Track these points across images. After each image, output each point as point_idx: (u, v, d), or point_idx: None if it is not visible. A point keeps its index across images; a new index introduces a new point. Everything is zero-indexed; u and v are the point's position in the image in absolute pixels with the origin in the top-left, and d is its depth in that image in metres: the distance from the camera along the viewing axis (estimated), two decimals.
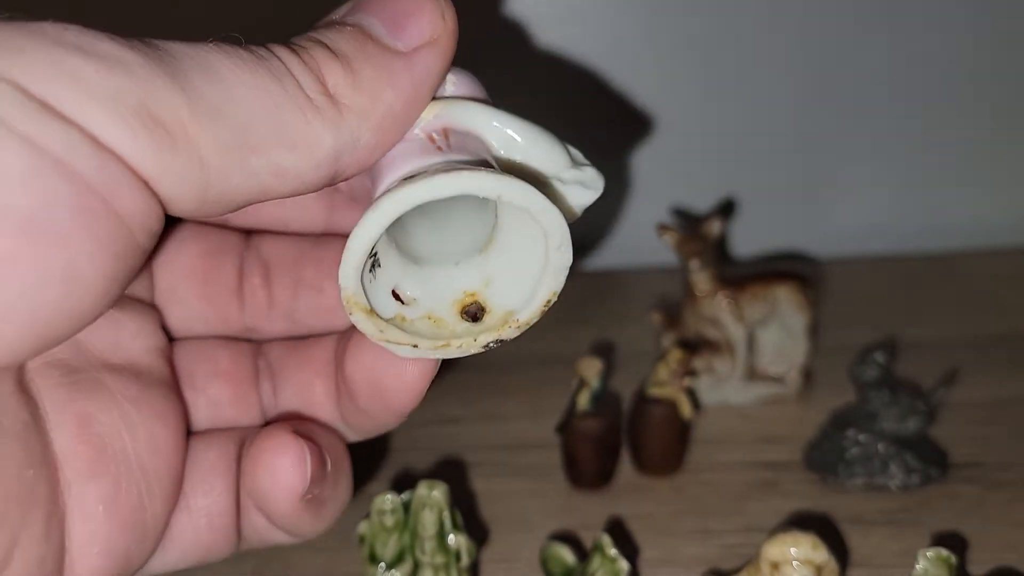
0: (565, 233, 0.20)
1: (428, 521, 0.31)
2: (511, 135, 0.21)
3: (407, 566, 0.32)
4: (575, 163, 0.22)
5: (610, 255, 0.59)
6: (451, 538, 0.31)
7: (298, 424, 0.25)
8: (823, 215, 0.59)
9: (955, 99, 0.56)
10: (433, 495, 0.31)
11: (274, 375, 0.27)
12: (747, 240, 0.59)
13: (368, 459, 0.32)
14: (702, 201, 0.57)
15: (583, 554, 0.32)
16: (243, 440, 0.25)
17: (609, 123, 0.57)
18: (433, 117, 0.21)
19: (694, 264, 0.42)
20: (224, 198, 0.18)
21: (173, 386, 0.25)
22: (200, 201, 0.18)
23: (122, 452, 0.22)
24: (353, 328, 0.23)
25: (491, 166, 0.21)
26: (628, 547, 0.35)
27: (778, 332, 0.44)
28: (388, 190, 0.20)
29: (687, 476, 0.39)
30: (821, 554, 0.28)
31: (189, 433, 0.25)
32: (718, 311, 0.43)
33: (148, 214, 0.18)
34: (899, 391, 0.38)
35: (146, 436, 0.23)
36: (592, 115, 0.56)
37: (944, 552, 0.29)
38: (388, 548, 0.31)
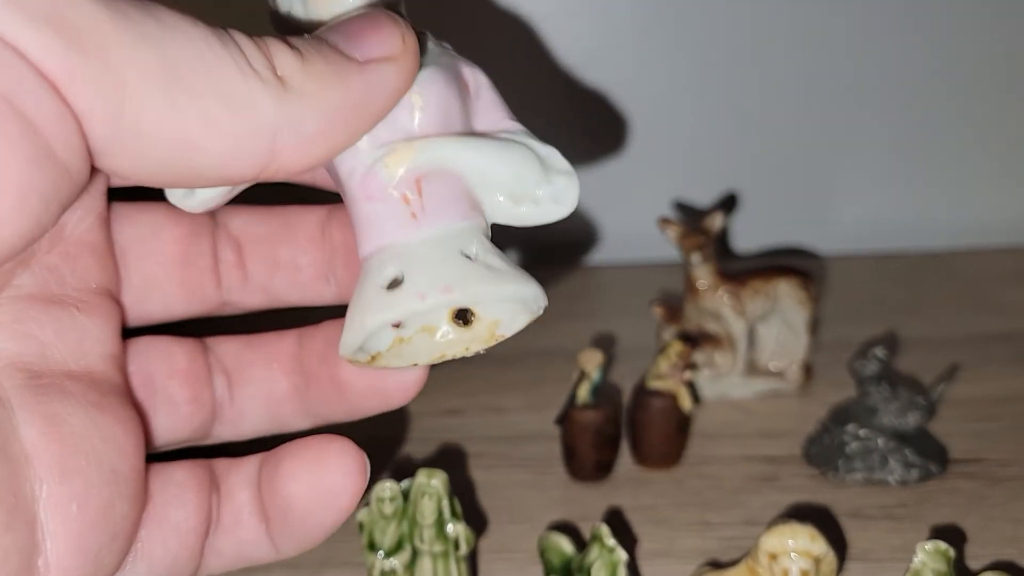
0: (538, 306, 0.22)
1: (427, 509, 0.31)
2: (481, 169, 0.22)
3: (406, 554, 0.32)
4: (550, 173, 0.23)
5: (612, 249, 0.59)
6: (450, 527, 0.31)
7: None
8: (825, 211, 0.59)
9: (957, 98, 0.56)
10: (432, 483, 0.31)
11: (230, 372, 0.27)
12: (749, 235, 0.59)
13: (368, 448, 0.32)
14: (704, 195, 0.57)
15: (582, 545, 0.32)
16: (210, 468, 0.26)
17: (611, 117, 0.57)
18: (404, 172, 0.22)
19: (695, 258, 0.42)
20: (143, 132, 0.17)
21: (127, 394, 0.25)
22: (114, 125, 0.17)
23: (93, 452, 0.22)
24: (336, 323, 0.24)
25: (466, 256, 0.22)
26: (627, 538, 0.35)
27: (779, 327, 0.44)
28: (371, 298, 0.21)
29: (686, 469, 0.39)
30: (819, 546, 0.28)
31: (155, 455, 0.26)
32: (719, 305, 0.43)
33: (62, 122, 0.16)
34: (899, 387, 0.39)
35: (112, 438, 0.23)
36: (594, 109, 0.56)
37: (942, 545, 0.29)
38: (387, 536, 0.32)
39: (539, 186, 0.23)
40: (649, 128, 0.57)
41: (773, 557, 0.28)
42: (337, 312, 0.28)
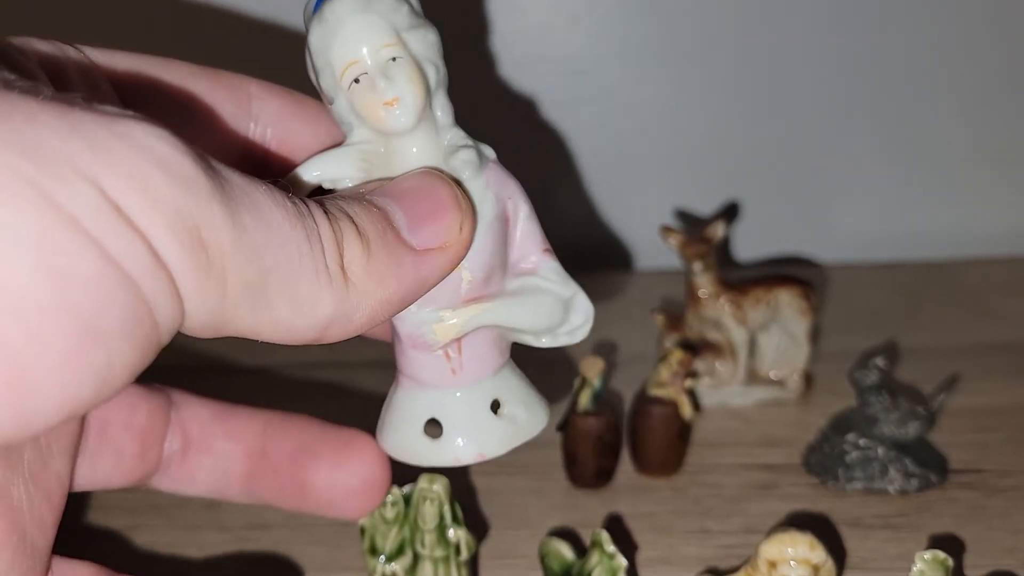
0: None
1: (428, 514, 0.31)
2: (515, 326, 0.26)
3: (407, 559, 0.32)
4: (569, 312, 0.27)
5: (614, 256, 0.59)
6: (451, 532, 0.32)
7: None
8: (826, 221, 0.59)
9: (958, 108, 0.57)
10: (434, 488, 0.31)
11: (191, 438, 0.30)
12: (750, 244, 0.59)
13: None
14: (706, 204, 0.57)
15: (582, 551, 0.32)
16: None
17: (613, 125, 0.57)
18: (449, 340, 0.25)
19: (697, 266, 0.43)
20: (221, 327, 0.19)
21: (72, 455, 0.26)
22: (203, 324, 0.19)
23: (22, 527, 0.23)
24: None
25: (493, 410, 0.27)
26: (627, 545, 0.35)
27: (779, 336, 0.44)
28: (413, 439, 0.26)
29: (686, 477, 0.39)
30: (818, 554, 0.28)
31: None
32: (720, 314, 0.43)
33: (175, 323, 0.18)
34: (899, 396, 0.39)
35: (38, 514, 0.24)
36: (596, 117, 0.57)
37: (941, 555, 0.29)
38: (388, 540, 0.32)
39: (559, 326, 0.27)
40: (651, 137, 0.57)
41: (772, 565, 0.28)
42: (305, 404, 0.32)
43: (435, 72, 0.24)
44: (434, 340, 0.25)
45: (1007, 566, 0.33)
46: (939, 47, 0.55)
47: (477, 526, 0.36)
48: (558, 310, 0.26)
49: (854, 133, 0.57)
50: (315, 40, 0.24)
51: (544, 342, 0.27)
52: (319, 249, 0.20)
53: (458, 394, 0.26)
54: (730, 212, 0.58)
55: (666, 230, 0.44)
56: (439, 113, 0.25)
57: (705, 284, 0.43)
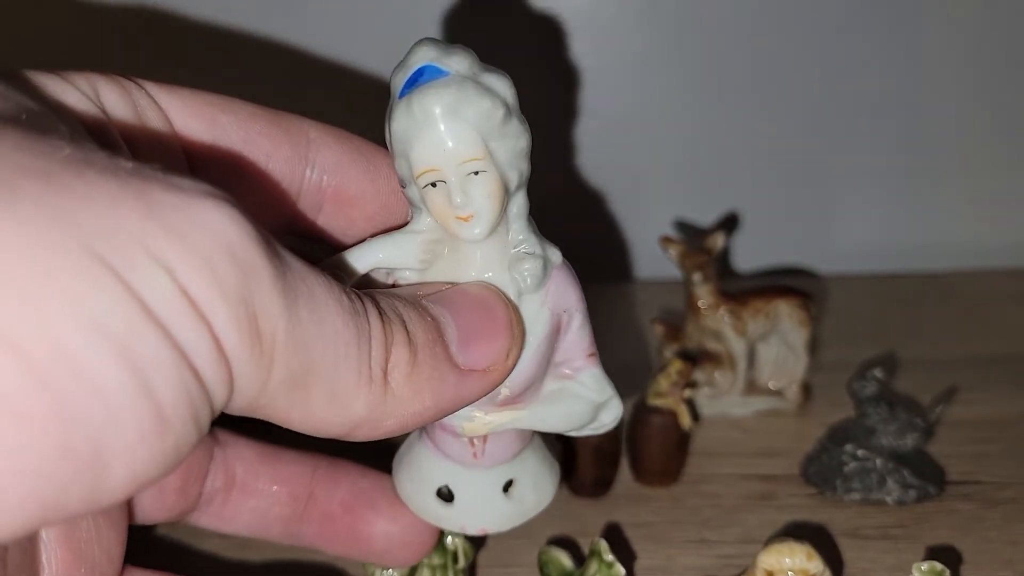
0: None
1: None
2: (543, 428, 0.26)
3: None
4: (599, 412, 0.26)
5: (613, 266, 0.59)
6: (449, 540, 0.32)
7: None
8: (825, 232, 0.59)
9: (956, 120, 0.57)
10: None
11: (236, 477, 0.30)
12: (749, 255, 0.59)
13: (369, 460, 0.32)
14: (705, 215, 0.58)
15: (581, 560, 0.32)
16: None
17: (613, 137, 0.57)
18: (480, 437, 0.26)
19: (697, 277, 0.43)
20: (254, 411, 0.19)
21: None
22: (239, 407, 0.19)
23: (91, 559, 0.24)
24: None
25: (505, 491, 0.27)
26: (625, 554, 0.35)
27: (778, 347, 0.44)
28: (427, 499, 0.27)
29: (685, 487, 0.40)
30: (816, 564, 0.28)
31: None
32: (720, 324, 0.43)
33: (224, 406, 0.19)
34: (897, 407, 0.39)
35: (107, 543, 0.24)
36: (596, 129, 0.57)
37: (938, 566, 0.29)
38: None
39: (586, 426, 0.27)
40: (651, 147, 0.57)
41: (770, 575, 0.28)
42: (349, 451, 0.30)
43: (517, 177, 0.23)
44: (462, 433, 0.26)
45: None
46: (938, 60, 0.55)
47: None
48: (589, 414, 0.26)
49: (853, 145, 0.57)
50: (397, 127, 0.22)
51: (569, 433, 0.27)
52: (366, 350, 0.20)
53: (475, 474, 0.27)
54: (729, 223, 0.58)
55: (666, 241, 0.44)
56: (513, 211, 0.24)
57: (704, 295, 0.43)
